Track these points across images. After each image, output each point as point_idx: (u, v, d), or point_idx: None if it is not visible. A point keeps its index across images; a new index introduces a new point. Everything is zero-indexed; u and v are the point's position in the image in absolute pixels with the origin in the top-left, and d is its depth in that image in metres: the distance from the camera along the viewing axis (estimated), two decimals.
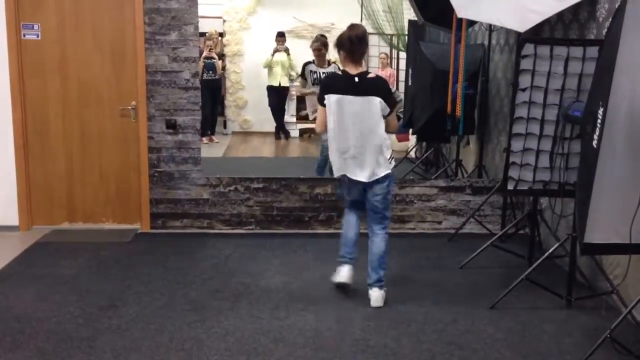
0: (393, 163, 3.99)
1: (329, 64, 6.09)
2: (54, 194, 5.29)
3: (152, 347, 3.26)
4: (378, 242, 3.89)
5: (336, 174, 3.93)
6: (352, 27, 3.79)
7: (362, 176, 3.79)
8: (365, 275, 3.92)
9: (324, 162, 5.62)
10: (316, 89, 5.07)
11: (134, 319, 3.60)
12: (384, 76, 8.74)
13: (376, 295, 3.86)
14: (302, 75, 6.31)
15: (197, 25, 5.10)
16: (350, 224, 4.07)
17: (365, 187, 3.84)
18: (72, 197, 5.31)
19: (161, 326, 3.50)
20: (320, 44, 6.06)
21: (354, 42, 3.73)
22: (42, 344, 3.27)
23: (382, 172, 3.78)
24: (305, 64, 6.14)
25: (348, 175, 3.84)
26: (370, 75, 3.77)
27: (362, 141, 3.74)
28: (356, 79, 3.72)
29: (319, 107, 3.84)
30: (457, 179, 5.77)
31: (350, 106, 3.71)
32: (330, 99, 3.74)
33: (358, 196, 3.94)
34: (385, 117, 3.76)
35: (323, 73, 5.88)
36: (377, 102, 3.70)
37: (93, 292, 3.99)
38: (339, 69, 5.40)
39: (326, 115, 3.79)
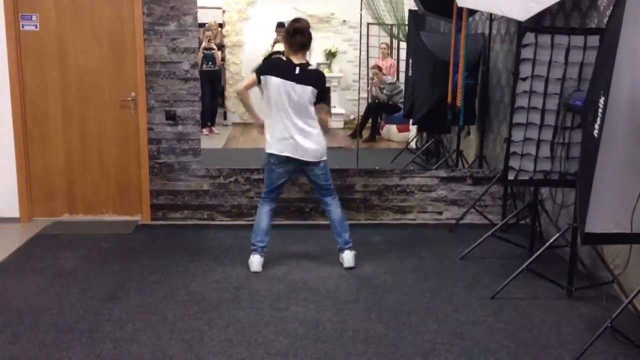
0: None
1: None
2: (54, 186, 5.29)
3: (152, 338, 3.27)
4: (334, 209, 4.28)
5: (274, 153, 4.10)
6: (294, 20, 4.10)
7: (307, 156, 4.07)
8: (359, 269, 3.91)
9: None
10: None
11: (134, 310, 3.60)
12: (384, 67, 8.74)
13: (349, 257, 4.26)
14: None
15: (196, 16, 5.07)
16: (263, 214, 4.32)
17: (304, 167, 4.14)
18: (72, 188, 5.31)
19: (162, 317, 3.51)
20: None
21: (289, 34, 4.03)
22: (43, 336, 3.28)
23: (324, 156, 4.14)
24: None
25: (290, 155, 4.06)
26: (310, 67, 4.06)
27: (301, 124, 4.02)
28: (297, 68, 4.01)
29: (251, 75, 4.12)
30: (457, 169, 5.76)
31: (292, 91, 3.98)
32: (271, 80, 4.00)
33: (284, 179, 4.22)
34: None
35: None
36: (309, 90, 3.98)
37: (93, 283, 3.99)
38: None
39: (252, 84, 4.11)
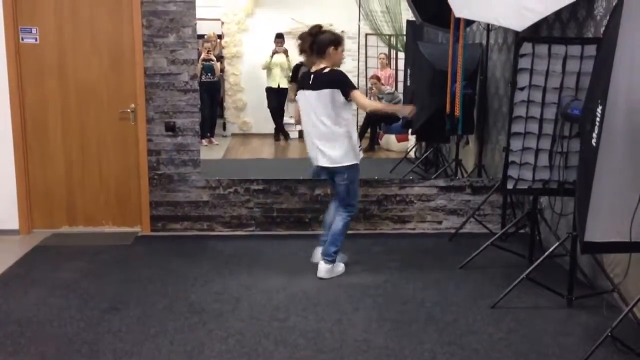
0: (360, 155, 4.28)
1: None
2: (54, 198, 5.29)
3: (153, 349, 3.26)
4: (338, 221, 4.28)
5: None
6: (310, 28, 4.19)
7: (323, 162, 4.19)
8: (359, 279, 3.91)
9: None
10: None
11: (134, 321, 3.60)
12: (383, 77, 8.77)
13: (322, 267, 4.30)
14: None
15: (195, 28, 5.10)
16: (329, 209, 4.50)
17: (329, 173, 4.24)
18: (72, 200, 5.31)
19: (162, 329, 3.50)
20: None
21: (305, 42, 4.15)
22: (43, 348, 3.27)
23: (343, 162, 4.15)
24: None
25: (314, 162, 4.27)
26: (325, 70, 4.11)
27: (317, 131, 4.14)
28: (312, 76, 4.12)
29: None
30: (456, 178, 5.77)
31: (307, 100, 4.15)
32: (298, 94, 4.25)
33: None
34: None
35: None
36: (325, 93, 4.03)
37: (94, 295, 3.99)
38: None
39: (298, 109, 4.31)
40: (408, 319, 3.65)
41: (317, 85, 4.06)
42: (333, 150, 4.11)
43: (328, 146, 4.12)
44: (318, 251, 4.41)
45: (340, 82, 4.04)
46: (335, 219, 4.30)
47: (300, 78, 4.42)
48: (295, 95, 4.30)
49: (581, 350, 3.23)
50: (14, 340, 3.36)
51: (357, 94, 4.07)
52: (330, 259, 4.27)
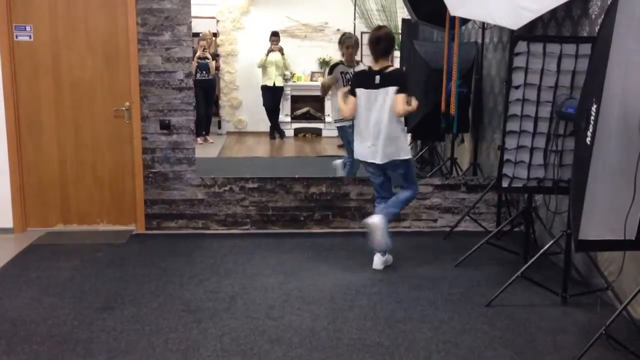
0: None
1: (357, 63, 5.93)
2: (48, 196, 5.28)
3: (147, 348, 3.26)
4: (404, 191, 4.46)
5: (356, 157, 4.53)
6: (375, 29, 4.48)
7: (379, 158, 4.29)
8: (354, 277, 3.89)
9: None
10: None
11: (129, 320, 3.59)
12: None
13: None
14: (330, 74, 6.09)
15: (190, 26, 5.09)
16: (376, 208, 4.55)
17: (384, 168, 4.37)
18: (66, 198, 5.30)
19: (157, 327, 3.50)
20: (354, 42, 5.93)
21: (372, 42, 4.32)
22: (37, 347, 3.26)
23: (401, 156, 4.31)
24: (334, 66, 5.92)
25: (368, 160, 4.36)
26: (390, 69, 4.28)
27: (378, 128, 4.25)
28: (377, 75, 4.25)
29: (350, 97, 4.40)
30: (452, 177, 5.78)
31: (369, 98, 4.26)
32: (358, 92, 4.32)
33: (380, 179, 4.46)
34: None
35: (351, 73, 5.73)
36: (393, 90, 4.18)
37: (88, 293, 3.98)
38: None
39: (355, 105, 4.37)
40: (403, 317, 3.65)
41: (385, 83, 4.21)
42: (394, 145, 4.26)
43: (389, 142, 4.25)
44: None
45: (406, 82, 4.30)
46: (402, 190, 4.45)
47: (357, 77, 4.62)
48: (345, 93, 4.48)
49: (576, 348, 3.24)
50: (8, 339, 3.35)
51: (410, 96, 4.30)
52: (387, 218, 4.37)
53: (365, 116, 4.30)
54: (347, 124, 5.45)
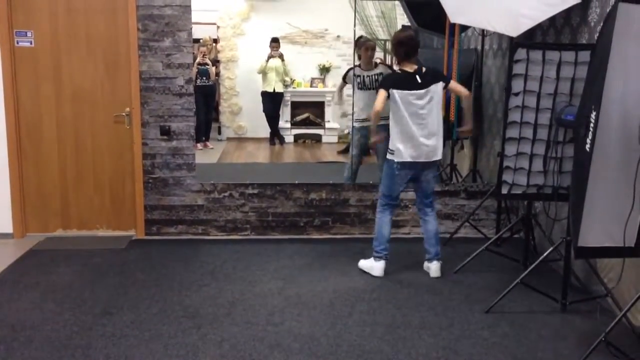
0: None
1: (376, 65, 5.87)
2: (48, 201, 5.28)
3: (146, 354, 3.25)
4: (432, 220, 4.45)
5: (401, 160, 4.28)
6: (399, 31, 4.64)
7: (432, 155, 4.27)
8: (354, 283, 3.89)
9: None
10: (360, 93, 5.71)
11: (128, 326, 3.59)
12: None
13: (436, 267, 4.42)
14: (344, 80, 6.13)
15: (190, 32, 5.10)
16: (386, 222, 4.49)
17: (424, 168, 4.32)
18: (66, 204, 5.30)
19: (156, 333, 3.49)
20: (373, 44, 5.93)
21: (404, 42, 4.27)
22: (36, 352, 3.26)
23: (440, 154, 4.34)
24: (348, 71, 5.97)
25: (421, 159, 4.26)
26: (423, 69, 4.28)
27: (425, 127, 4.23)
28: (417, 76, 4.23)
29: (381, 91, 4.21)
30: (451, 183, 5.78)
31: (412, 99, 4.20)
32: (397, 94, 4.20)
33: (406, 183, 4.40)
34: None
35: (367, 76, 5.71)
36: (439, 87, 4.24)
37: (87, 299, 3.97)
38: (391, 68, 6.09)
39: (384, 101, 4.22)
40: (402, 324, 3.65)
41: (428, 82, 4.21)
42: (439, 141, 4.29)
43: (435, 139, 4.26)
44: (431, 265, 4.45)
45: (444, 76, 4.44)
46: (428, 219, 4.45)
47: (392, 79, 4.51)
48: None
49: (575, 355, 3.24)
50: (7, 344, 3.34)
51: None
52: (440, 256, 4.45)
53: (414, 117, 4.18)
54: (367, 124, 5.30)
